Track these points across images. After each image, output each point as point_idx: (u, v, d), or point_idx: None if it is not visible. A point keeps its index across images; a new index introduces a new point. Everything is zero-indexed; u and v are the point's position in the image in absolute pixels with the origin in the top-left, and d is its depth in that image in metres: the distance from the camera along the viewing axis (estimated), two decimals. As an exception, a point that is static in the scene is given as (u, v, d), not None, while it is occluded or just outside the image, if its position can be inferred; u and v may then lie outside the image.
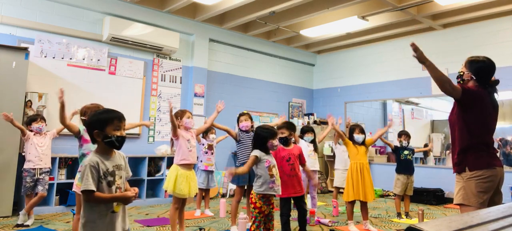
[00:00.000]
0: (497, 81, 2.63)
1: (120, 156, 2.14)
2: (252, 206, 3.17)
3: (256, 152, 3.22)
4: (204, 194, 5.41)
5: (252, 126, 4.40)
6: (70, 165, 5.41)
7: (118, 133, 2.03)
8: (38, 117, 4.47)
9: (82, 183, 1.91)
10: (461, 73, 2.68)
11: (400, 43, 7.81)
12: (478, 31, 6.82)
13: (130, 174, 2.22)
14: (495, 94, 2.65)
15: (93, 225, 1.94)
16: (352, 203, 4.46)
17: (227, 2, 6.23)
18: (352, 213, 4.51)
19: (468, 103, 2.54)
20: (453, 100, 2.63)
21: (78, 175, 3.15)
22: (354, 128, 4.61)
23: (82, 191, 1.92)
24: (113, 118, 2.04)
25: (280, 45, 8.60)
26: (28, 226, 4.18)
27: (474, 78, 2.59)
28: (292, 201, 3.84)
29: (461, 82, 2.68)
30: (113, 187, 2.01)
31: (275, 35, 7.97)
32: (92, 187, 1.90)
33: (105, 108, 2.32)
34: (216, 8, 6.42)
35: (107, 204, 1.97)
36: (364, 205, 4.46)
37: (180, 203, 3.81)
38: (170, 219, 3.82)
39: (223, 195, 6.87)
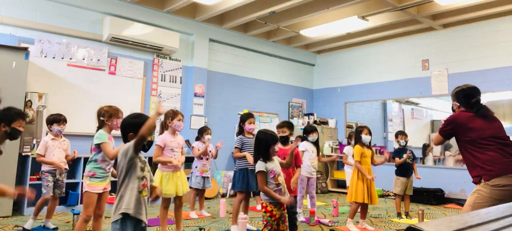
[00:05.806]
0: (476, 100, 2.88)
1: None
2: (263, 210, 3.04)
3: (261, 166, 3.00)
4: (199, 194, 5.31)
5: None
6: (70, 165, 5.39)
7: (150, 138, 2.31)
8: (61, 119, 4.14)
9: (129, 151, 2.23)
10: (452, 106, 3.06)
11: (400, 43, 7.79)
12: (478, 31, 6.82)
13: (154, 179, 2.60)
14: (486, 109, 2.87)
15: (124, 197, 2.24)
16: (358, 203, 4.48)
17: (227, 2, 6.23)
18: (355, 213, 4.55)
19: (454, 132, 2.86)
20: (454, 114, 2.97)
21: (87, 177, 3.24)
22: (362, 129, 4.56)
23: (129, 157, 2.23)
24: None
25: (280, 45, 8.60)
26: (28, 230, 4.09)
27: (458, 104, 2.98)
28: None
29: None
30: (142, 174, 2.33)
31: (275, 35, 7.97)
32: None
33: (138, 113, 2.57)
34: (216, 8, 6.42)
35: (140, 179, 2.28)
36: (365, 206, 4.53)
37: (168, 202, 3.87)
38: (160, 218, 3.86)
39: (223, 195, 6.86)
